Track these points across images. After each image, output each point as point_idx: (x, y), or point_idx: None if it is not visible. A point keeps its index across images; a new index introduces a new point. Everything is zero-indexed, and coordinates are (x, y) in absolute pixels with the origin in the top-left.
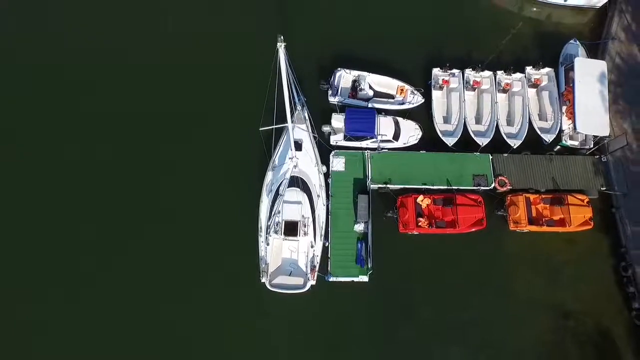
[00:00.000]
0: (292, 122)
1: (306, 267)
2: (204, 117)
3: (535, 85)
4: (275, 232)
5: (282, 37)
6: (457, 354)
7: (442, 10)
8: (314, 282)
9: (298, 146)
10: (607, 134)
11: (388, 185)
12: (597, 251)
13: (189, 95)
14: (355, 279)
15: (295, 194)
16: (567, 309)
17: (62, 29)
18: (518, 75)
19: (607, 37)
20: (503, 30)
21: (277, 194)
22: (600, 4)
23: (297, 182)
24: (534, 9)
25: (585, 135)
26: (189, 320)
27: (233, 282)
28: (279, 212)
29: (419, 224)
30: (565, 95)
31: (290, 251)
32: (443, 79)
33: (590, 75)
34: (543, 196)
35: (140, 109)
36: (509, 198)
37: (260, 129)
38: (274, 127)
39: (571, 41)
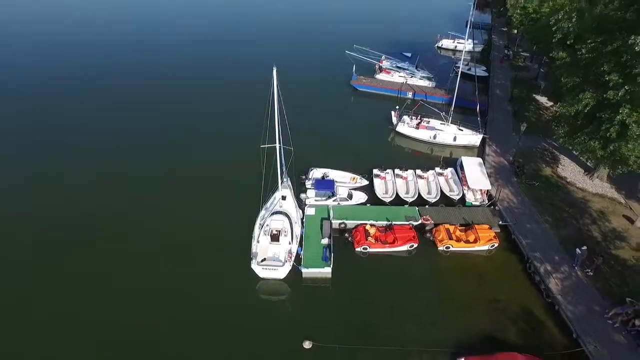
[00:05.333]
0: (279, 143)
1: (285, 258)
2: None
3: (442, 174)
4: (265, 233)
5: (274, 64)
6: (411, 331)
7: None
8: (290, 267)
9: (284, 197)
10: (490, 187)
11: (345, 222)
12: (509, 263)
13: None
14: (322, 270)
15: (280, 216)
16: (495, 298)
17: None
18: (431, 171)
19: (484, 155)
20: (425, 159)
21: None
22: (477, 143)
23: (281, 213)
24: (444, 155)
25: (482, 199)
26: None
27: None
28: (267, 225)
29: (368, 239)
30: (462, 177)
31: (274, 252)
32: (380, 176)
33: (472, 163)
34: (458, 227)
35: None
36: (434, 230)
37: (262, 146)
38: (266, 146)
39: (462, 157)
